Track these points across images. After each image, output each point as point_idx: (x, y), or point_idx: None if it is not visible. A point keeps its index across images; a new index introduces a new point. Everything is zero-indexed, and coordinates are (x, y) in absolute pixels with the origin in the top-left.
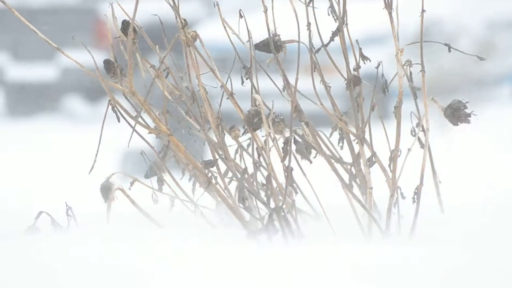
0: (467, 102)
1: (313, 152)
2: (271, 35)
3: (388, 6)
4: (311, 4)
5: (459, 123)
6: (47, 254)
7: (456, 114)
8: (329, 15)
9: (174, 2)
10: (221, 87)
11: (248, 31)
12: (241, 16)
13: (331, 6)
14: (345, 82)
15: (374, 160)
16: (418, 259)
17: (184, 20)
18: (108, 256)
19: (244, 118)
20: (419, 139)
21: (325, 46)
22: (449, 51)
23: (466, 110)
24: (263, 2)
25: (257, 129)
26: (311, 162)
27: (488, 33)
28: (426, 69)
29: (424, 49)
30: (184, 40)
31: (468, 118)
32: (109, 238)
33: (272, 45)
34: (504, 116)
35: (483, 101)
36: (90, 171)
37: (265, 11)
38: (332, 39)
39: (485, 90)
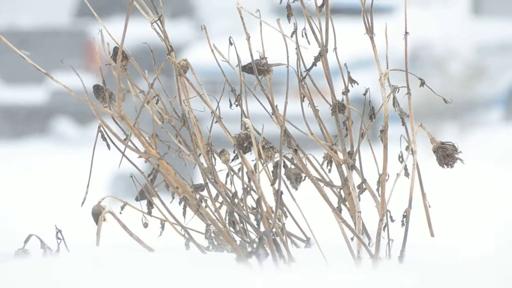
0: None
1: (303, 176)
2: (259, 58)
3: (369, 31)
4: (300, 28)
5: (444, 167)
6: (36, 278)
7: (447, 159)
8: (316, 39)
9: (161, 27)
10: (212, 113)
11: (237, 55)
12: (231, 44)
13: (314, 35)
14: (330, 108)
15: (364, 187)
16: (407, 284)
17: (171, 46)
18: (98, 281)
19: (234, 141)
20: (405, 167)
21: (307, 71)
22: (421, 86)
23: (457, 155)
24: (245, 29)
25: (247, 152)
26: (296, 189)
27: (478, 56)
28: (416, 92)
29: (413, 72)
30: (175, 68)
31: (454, 164)
32: (99, 262)
33: (255, 69)
34: (494, 139)
35: (473, 125)
36: (83, 203)
37: (248, 38)
38: (314, 64)
39: (475, 113)
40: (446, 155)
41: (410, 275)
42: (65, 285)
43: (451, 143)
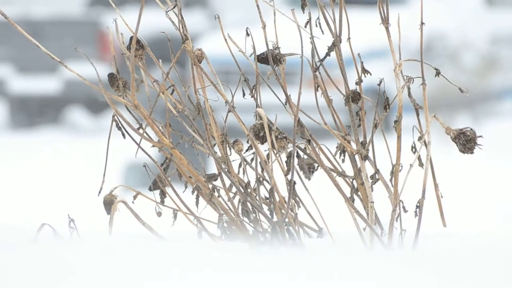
0: (479, 136)
1: (316, 166)
2: (272, 48)
3: (385, 21)
4: (314, 18)
5: (466, 153)
6: (47, 266)
7: (469, 145)
8: (329, 29)
9: (180, 16)
10: (226, 102)
11: (253, 46)
12: (248, 35)
13: (327, 25)
14: (343, 98)
15: (377, 177)
16: (420, 274)
17: (185, 35)
18: (110, 269)
19: (251, 131)
20: (419, 157)
21: (321, 61)
22: (437, 75)
23: (477, 141)
24: (261, 18)
25: (265, 142)
26: (309, 179)
27: (492, 47)
28: (429, 83)
29: (427, 63)
30: (190, 57)
31: (474, 149)
32: (111, 250)
33: (270, 59)
34: (507, 130)
35: (486, 115)
36: (99, 192)
37: (264, 27)
38: (328, 54)
39: (488, 104)
40: (468, 139)
41: (423, 265)
42: (77, 273)
43: (469, 128)
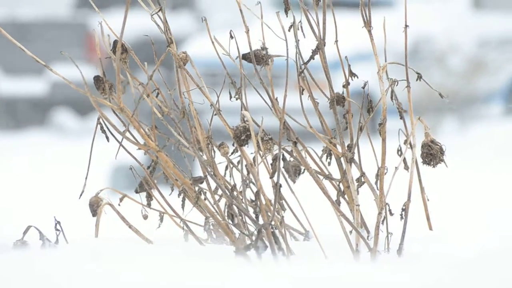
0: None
1: (302, 169)
2: (260, 47)
3: (367, 24)
4: (299, 21)
5: (426, 165)
6: (34, 269)
7: (429, 158)
8: (313, 32)
9: (164, 19)
10: (211, 105)
11: (237, 48)
12: (231, 37)
13: (311, 28)
14: (328, 101)
15: (363, 180)
16: (405, 278)
17: (171, 38)
18: (96, 272)
19: (232, 134)
20: (404, 160)
21: (305, 64)
22: (418, 80)
23: (441, 157)
24: (244, 22)
25: (245, 145)
26: (294, 182)
27: (479, 50)
28: (416, 86)
29: (414, 66)
30: (175, 60)
31: (436, 164)
32: (97, 254)
33: (253, 59)
34: (493, 134)
35: (473, 119)
36: (81, 195)
37: (247, 31)
38: (312, 57)
39: (475, 107)
40: (429, 153)
41: (407, 268)
42: (63, 277)
43: (439, 144)
